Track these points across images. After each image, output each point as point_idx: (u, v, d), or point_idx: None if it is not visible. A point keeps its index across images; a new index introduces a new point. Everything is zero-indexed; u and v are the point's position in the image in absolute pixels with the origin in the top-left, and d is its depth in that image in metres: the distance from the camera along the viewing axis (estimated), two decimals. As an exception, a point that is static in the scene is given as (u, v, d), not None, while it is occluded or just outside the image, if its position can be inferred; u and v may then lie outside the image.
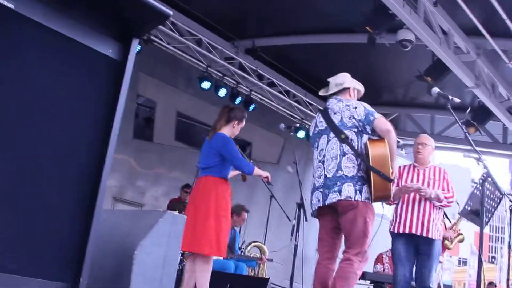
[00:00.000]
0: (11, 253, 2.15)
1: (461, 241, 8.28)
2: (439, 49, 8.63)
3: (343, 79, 5.20)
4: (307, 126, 13.01)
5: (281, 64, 12.22)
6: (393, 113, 13.92)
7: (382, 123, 4.82)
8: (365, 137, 4.84)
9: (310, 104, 13.08)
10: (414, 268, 6.00)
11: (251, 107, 11.75)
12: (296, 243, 5.88)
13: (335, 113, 4.92)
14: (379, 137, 4.80)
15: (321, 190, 4.80)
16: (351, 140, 4.77)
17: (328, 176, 4.77)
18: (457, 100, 4.85)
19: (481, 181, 5.20)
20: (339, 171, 4.72)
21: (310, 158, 13.77)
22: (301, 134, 12.65)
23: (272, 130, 13.58)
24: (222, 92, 11.15)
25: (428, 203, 5.86)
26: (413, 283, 6.21)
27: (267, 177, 6.21)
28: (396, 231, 5.93)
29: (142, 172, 11.82)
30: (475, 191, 5.53)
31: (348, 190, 4.66)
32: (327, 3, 9.48)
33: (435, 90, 4.94)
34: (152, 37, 9.75)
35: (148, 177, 11.69)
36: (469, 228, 8.28)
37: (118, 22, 2.49)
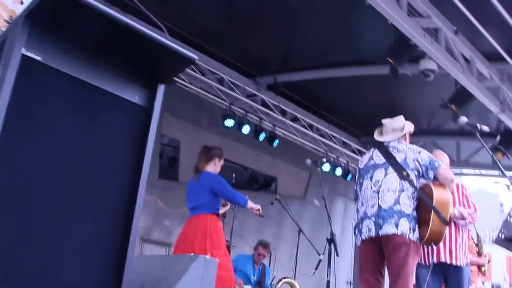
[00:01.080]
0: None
1: (489, 261, 8.15)
2: (462, 76, 8.58)
3: (402, 123, 5.28)
4: (331, 159, 12.97)
5: (303, 99, 12.23)
6: (418, 141, 13.79)
7: (448, 171, 4.93)
8: (421, 181, 4.88)
9: (334, 137, 13.06)
10: None
11: (275, 143, 11.74)
12: (328, 278, 5.80)
13: (398, 151, 4.96)
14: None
15: (374, 219, 4.73)
16: (411, 180, 4.76)
17: (383, 207, 4.73)
18: (486, 128, 4.79)
19: (514, 208, 5.12)
20: (397, 205, 4.69)
21: (337, 192, 13.79)
22: (326, 167, 12.59)
23: (297, 165, 13.54)
24: (246, 129, 11.16)
25: (452, 226, 5.74)
26: None
27: (258, 210, 6.23)
28: (424, 263, 5.77)
29: (169, 212, 11.80)
30: (509, 218, 5.42)
31: (405, 226, 4.62)
32: (347, 37, 9.50)
33: (463, 119, 4.88)
34: (175, 78, 9.83)
35: (175, 217, 11.65)
36: (501, 253, 8.15)
37: (144, 69, 2.51)
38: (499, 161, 5.16)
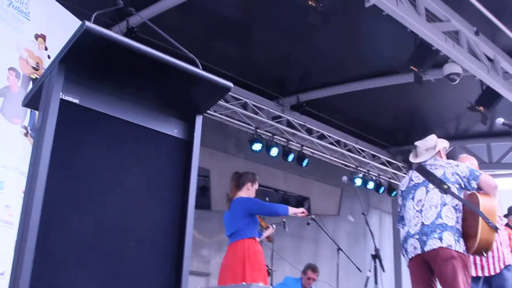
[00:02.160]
0: None
1: None
2: (488, 77, 8.49)
3: (432, 142, 5.22)
4: (361, 174, 12.87)
5: (328, 115, 12.18)
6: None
7: (490, 178, 4.85)
8: (465, 193, 4.84)
9: (363, 150, 12.98)
10: None
11: (305, 162, 11.69)
12: (377, 295, 5.71)
13: (436, 168, 4.93)
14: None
15: (417, 237, 4.67)
16: (453, 192, 4.72)
17: (425, 223, 4.67)
18: (524, 127, 4.72)
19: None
20: (439, 219, 4.62)
21: (370, 205, 13.62)
22: (358, 182, 12.51)
23: (328, 182, 13.49)
24: (274, 152, 11.14)
25: None
26: None
27: (303, 212, 6.18)
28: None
29: (205, 241, 11.81)
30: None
31: (449, 239, 4.53)
32: (367, 49, 9.47)
33: (500, 121, 4.79)
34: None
35: (212, 246, 11.66)
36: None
37: (181, 102, 2.50)
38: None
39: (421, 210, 4.77)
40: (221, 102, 10.19)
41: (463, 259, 4.55)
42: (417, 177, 5.02)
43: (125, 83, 2.36)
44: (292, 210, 6.12)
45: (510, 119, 5.26)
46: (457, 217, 4.66)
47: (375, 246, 5.65)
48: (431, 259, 4.62)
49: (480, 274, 5.59)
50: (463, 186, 4.79)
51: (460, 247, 4.55)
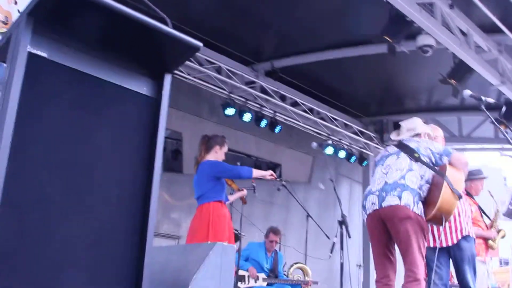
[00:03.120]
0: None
1: (503, 236, 8.10)
2: (460, 50, 8.56)
3: (415, 124, 5.31)
4: (334, 142, 12.97)
5: (302, 83, 12.22)
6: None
7: (461, 154, 4.97)
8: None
9: (335, 119, 13.06)
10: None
11: (277, 129, 11.74)
12: (342, 261, 5.81)
13: (411, 142, 5.03)
14: None
15: (377, 193, 4.75)
16: (423, 161, 4.81)
17: (388, 182, 4.76)
18: (490, 100, 4.77)
19: (524, 179, 5.12)
20: (402, 180, 4.70)
21: (341, 174, 13.75)
22: (329, 150, 12.60)
23: (300, 150, 13.57)
24: (247, 117, 11.17)
25: None
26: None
27: (272, 175, 6.24)
28: (429, 245, 5.78)
29: (176, 204, 11.84)
30: (517, 190, 5.43)
31: (408, 198, 4.59)
32: (342, 18, 9.47)
33: (467, 92, 4.87)
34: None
35: (182, 209, 11.70)
36: (508, 228, 8.08)
37: (150, 60, 2.50)
38: (507, 132, 5.12)
39: (387, 172, 4.86)
40: (195, 66, 10.16)
41: (420, 222, 4.60)
42: (391, 148, 5.13)
43: (95, 39, 2.35)
44: (258, 173, 6.16)
45: (481, 92, 5.34)
46: (421, 185, 4.74)
47: (342, 213, 5.74)
48: (387, 218, 4.68)
49: (437, 245, 5.70)
50: (433, 161, 4.86)
51: (418, 209, 4.61)
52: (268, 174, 6.25)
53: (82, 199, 2.28)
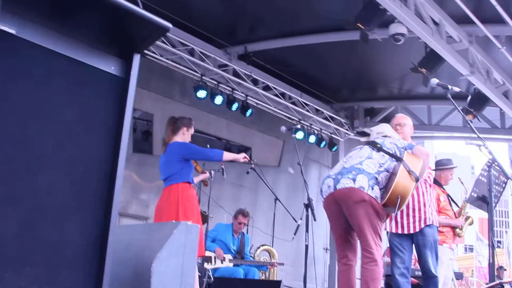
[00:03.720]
0: (32, 270, 2.17)
1: (471, 223, 8.25)
2: (432, 40, 8.66)
3: (384, 129, 5.43)
4: (305, 127, 13.06)
5: (274, 67, 12.25)
6: (389, 106, 13.97)
7: (424, 148, 5.11)
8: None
9: (307, 104, 13.13)
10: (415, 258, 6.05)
11: (249, 112, 11.78)
12: (307, 243, 5.88)
13: (377, 138, 5.21)
14: None
15: (334, 177, 4.85)
16: (384, 149, 4.91)
17: (345, 166, 4.86)
18: (456, 89, 4.88)
19: (487, 167, 5.21)
20: (359, 165, 4.82)
21: (311, 158, 13.85)
22: (299, 135, 12.67)
23: (271, 134, 13.62)
24: (219, 100, 11.18)
25: (415, 197, 5.85)
26: (418, 273, 6.25)
27: (245, 157, 6.29)
28: (390, 230, 5.89)
29: (145, 186, 11.83)
30: (480, 177, 5.53)
31: (362, 181, 4.71)
32: (316, 4, 9.51)
33: (434, 81, 4.96)
34: (145, 51, 9.76)
35: (151, 190, 11.70)
36: (473, 215, 8.22)
37: (119, 39, 2.50)
38: (471, 122, 5.21)
39: (347, 161, 4.96)
40: (168, 47, 10.13)
41: (374, 205, 4.71)
42: (359, 146, 5.29)
43: (64, 17, 2.35)
44: (229, 156, 6.20)
45: (450, 82, 5.43)
46: (379, 171, 4.85)
47: (308, 196, 5.80)
48: (342, 201, 4.79)
49: (399, 231, 5.82)
50: (397, 154, 5.00)
51: (373, 192, 4.72)
52: (241, 157, 6.29)
53: (48, 175, 2.29)
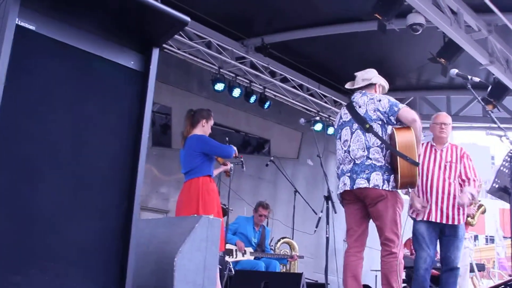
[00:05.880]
0: (56, 266, 2.19)
1: (483, 212, 8.20)
2: (450, 29, 8.58)
3: (371, 74, 5.32)
4: (323, 119, 13.02)
5: (292, 59, 12.20)
6: (408, 97, 13.86)
7: (407, 112, 4.93)
8: (389, 129, 4.95)
9: (325, 96, 13.08)
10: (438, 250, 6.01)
11: (267, 105, 11.75)
12: (328, 235, 5.88)
13: (360, 107, 5.04)
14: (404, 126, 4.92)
15: (349, 174, 4.87)
16: (376, 131, 4.83)
17: (357, 162, 4.84)
18: (476, 79, 4.83)
19: (508, 158, 5.15)
20: (368, 160, 4.83)
21: (330, 150, 13.83)
22: (318, 127, 12.63)
23: (289, 126, 13.58)
24: (237, 92, 11.16)
25: (451, 189, 5.81)
26: (438, 265, 6.21)
27: (235, 153, 6.32)
28: (418, 218, 5.85)
29: (164, 179, 11.86)
30: (502, 168, 5.47)
31: (376, 179, 4.75)
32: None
33: (454, 71, 4.91)
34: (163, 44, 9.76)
35: (171, 184, 11.72)
36: (493, 206, 8.16)
37: (138, 34, 2.52)
38: (492, 112, 5.17)
39: (349, 151, 4.95)
40: (185, 40, 10.13)
41: (392, 197, 4.79)
42: (345, 115, 5.17)
43: (83, 12, 2.36)
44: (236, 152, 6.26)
45: (469, 72, 5.39)
46: (384, 155, 4.85)
47: (328, 188, 5.79)
48: (362, 197, 4.87)
49: (444, 221, 5.76)
50: (385, 121, 4.92)
51: (389, 185, 4.77)
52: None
53: (70, 172, 2.31)
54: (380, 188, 4.75)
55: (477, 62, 9.64)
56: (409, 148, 4.76)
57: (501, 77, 10.19)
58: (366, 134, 4.89)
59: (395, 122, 4.92)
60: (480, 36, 9.28)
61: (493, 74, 10.28)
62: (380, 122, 4.91)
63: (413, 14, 8.40)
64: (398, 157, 4.72)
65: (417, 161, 4.76)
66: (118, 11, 2.39)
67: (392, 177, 4.80)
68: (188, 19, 2.46)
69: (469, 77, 4.78)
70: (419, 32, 8.55)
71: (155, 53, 2.57)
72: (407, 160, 4.70)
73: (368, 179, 4.78)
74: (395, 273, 4.71)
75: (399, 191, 4.97)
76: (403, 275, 4.81)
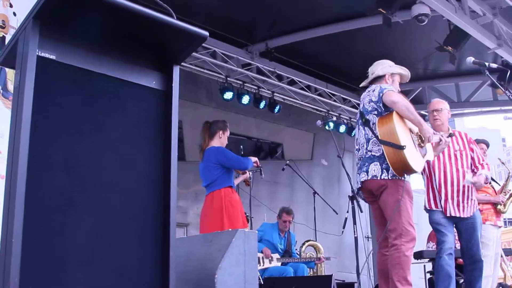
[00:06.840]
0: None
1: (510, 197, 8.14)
2: (456, 16, 8.53)
3: (376, 67, 5.26)
4: (334, 118, 12.98)
5: (297, 61, 12.17)
6: (417, 88, 13.79)
7: (387, 95, 4.79)
8: None
9: (333, 94, 13.03)
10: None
11: (277, 109, 11.72)
12: (356, 235, 5.85)
13: (362, 101, 5.06)
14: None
15: (359, 172, 4.89)
16: (373, 124, 4.82)
17: (362, 157, 4.94)
18: (494, 65, 4.78)
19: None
20: (368, 153, 4.84)
21: (344, 149, 13.78)
22: (330, 126, 12.59)
23: (300, 127, 13.56)
24: (246, 99, 11.14)
25: (461, 179, 5.72)
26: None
27: (255, 162, 6.30)
28: (433, 208, 5.75)
29: (181, 192, 11.83)
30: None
31: (374, 169, 4.74)
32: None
33: (470, 59, 4.86)
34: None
35: (188, 197, 11.71)
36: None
37: (157, 53, 2.49)
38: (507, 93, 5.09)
39: (359, 149, 5.02)
40: (190, 52, 10.12)
41: (393, 185, 4.68)
42: (357, 114, 5.21)
43: (101, 37, 2.34)
44: (253, 160, 6.23)
45: (477, 57, 5.33)
46: (380, 148, 4.78)
47: (352, 188, 5.73)
48: (368, 191, 4.90)
49: (459, 214, 5.68)
50: (379, 111, 4.85)
51: (388, 174, 4.69)
52: (254, 160, 6.29)
53: (102, 196, 2.28)
54: (379, 177, 4.70)
55: (485, 46, 9.57)
56: (390, 134, 4.67)
57: (511, 60, 10.13)
58: (365, 128, 4.89)
59: (383, 109, 4.82)
60: (486, 20, 9.23)
61: (502, 57, 10.21)
62: (375, 113, 4.86)
63: (417, 5, 8.37)
64: (383, 145, 4.68)
65: (401, 144, 4.59)
66: (136, 32, 2.37)
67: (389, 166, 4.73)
68: (206, 33, 2.44)
69: (486, 63, 4.74)
70: (425, 22, 8.51)
71: (176, 70, 2.56)
72: (391, 146, 4.62)
73: (366, 171, 4.79)
74: (396, 266, 4.54)
75: (407, 177, 4.78)
76: (410, 271, 4.64)
